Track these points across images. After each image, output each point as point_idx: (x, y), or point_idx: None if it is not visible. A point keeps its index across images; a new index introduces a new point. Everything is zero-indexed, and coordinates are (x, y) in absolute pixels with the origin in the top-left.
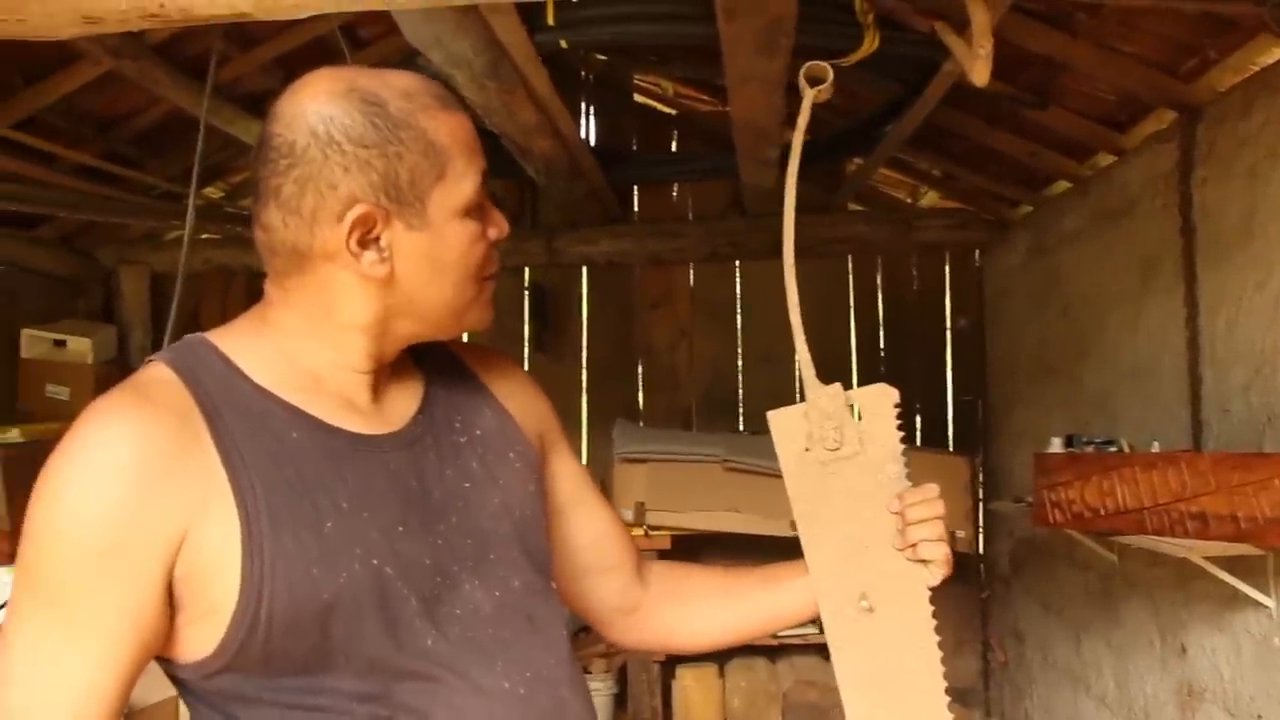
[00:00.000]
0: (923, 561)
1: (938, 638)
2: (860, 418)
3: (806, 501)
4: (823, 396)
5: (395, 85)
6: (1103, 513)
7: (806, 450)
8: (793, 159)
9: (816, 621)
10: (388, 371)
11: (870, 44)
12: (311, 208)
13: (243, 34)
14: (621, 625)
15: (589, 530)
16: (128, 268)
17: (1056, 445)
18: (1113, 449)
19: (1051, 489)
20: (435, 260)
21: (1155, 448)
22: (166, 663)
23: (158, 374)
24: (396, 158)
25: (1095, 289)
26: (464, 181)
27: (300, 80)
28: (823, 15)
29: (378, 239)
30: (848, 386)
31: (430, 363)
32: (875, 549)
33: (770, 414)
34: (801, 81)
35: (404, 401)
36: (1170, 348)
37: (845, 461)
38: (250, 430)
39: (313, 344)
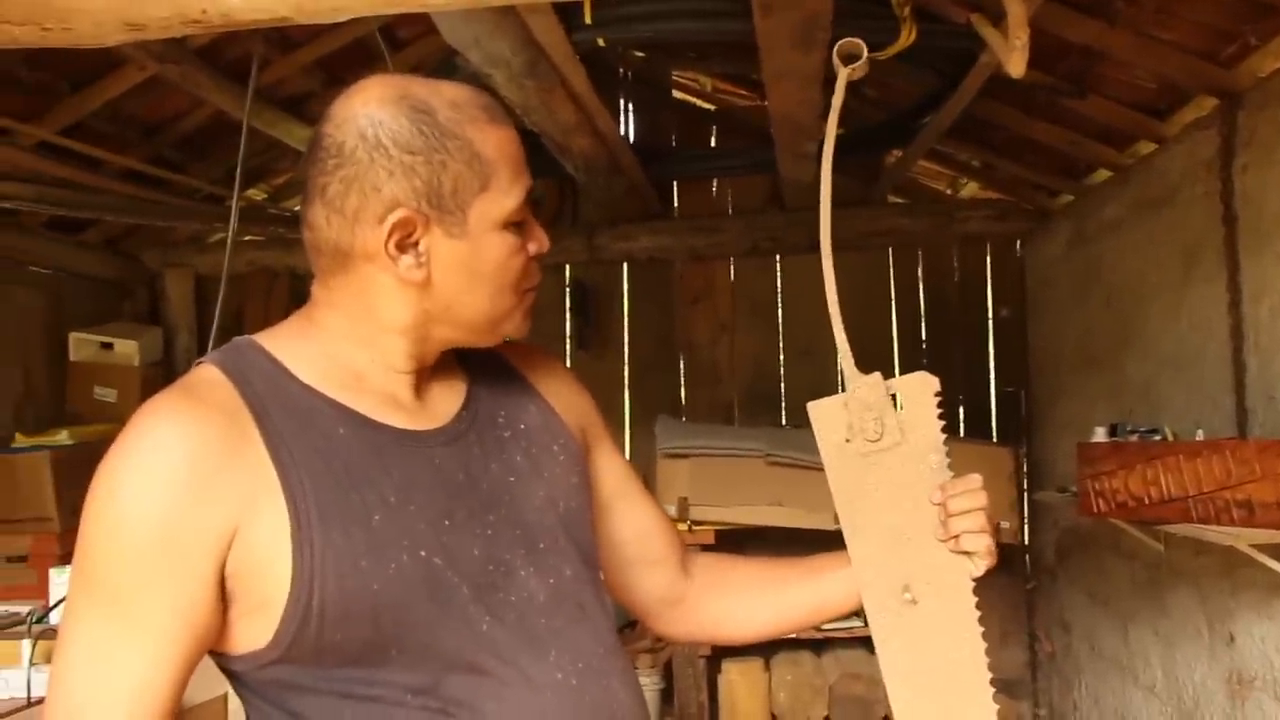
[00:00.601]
0: (966, 553)
1: (981, 629)
2: (901, 407)
3: (848, 493)
4: (863, 386)
5: (446, 95)
6: (1147, 501)
7: (847, 441)
8: (828, 139)
9: (861, 614)
10: (430, 370)
11: (907, 36)
12: (355, 208)
13: (283, 37)
14: (668, 617)
15: (634, 523)
16: (173, 270)
17: (1100, 435)
18: (1156, 438)
19: (1095, 478)
20: (472, 270)
21: (1199, 436)
22: (219, 656)
23: (207, 375)
24: (441, 166)
25: (1137, 278)
26: (507, 195)
27: (356, 84)
28: (859, 9)
29: (416, 244)
30: (890, 379)
31: (473, 360)
32: (917, 540)
33: (810, 405)
34: (835, 59)
35: (448, 398)
36: (1214, 336)
37: (886, 452)
38: (298, 427)
39: (355, 344)
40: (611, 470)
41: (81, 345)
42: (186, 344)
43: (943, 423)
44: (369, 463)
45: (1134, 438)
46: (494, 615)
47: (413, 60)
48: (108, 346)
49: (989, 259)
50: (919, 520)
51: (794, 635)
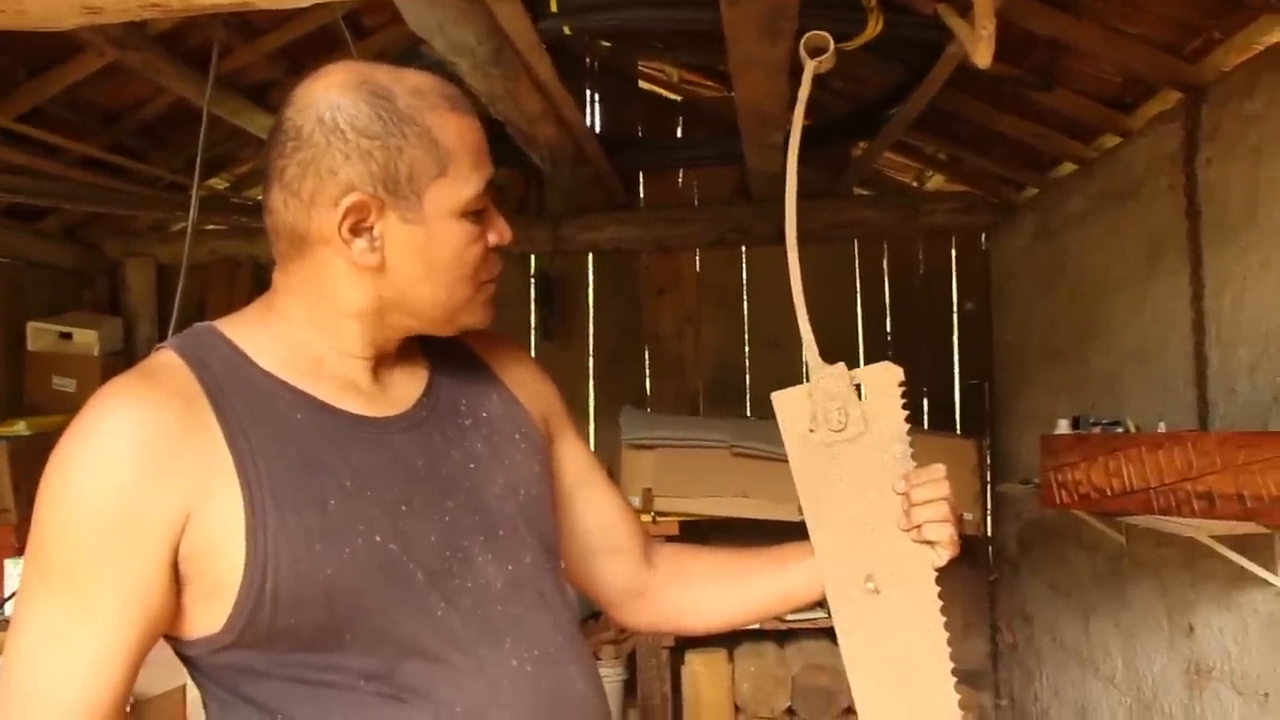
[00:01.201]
0: (928, 543)
1: (944, 619)
2: (865, 397)
3: (811, 483)
4: (827, 376)
5: (408, 82)
6: (1109, 493)
7: (811, 431)
8: (794, 131)
9: (825, 604)
10: (392, 357)
11: (874, 27)
12: (311, 191)
13: (246, 24)
14: (630, 607)
15: (596, 513)
16: (134, 260)
17: (1063, 427)
18: (1119, 430)
19: (1058, 470)
20: (427, 257)
21: (1161, 428)
22: (174, 641)
23: (165, 359)
24: (397, 151)
25: (1101, 271)
26: (465, 183)
27: (319, 70)
28: None
29: (371, 228)
30: (854, 369)
31: (436, 347)
32: (881, 530)
33: (774, 395)
34: (802, 52)
35: (409, 385)
36: (1176, 329)
37: (850, 442)
38: (255, 412)
39: (313, 330)
40: (574, 459)
41: (40, 335)
42: (148, 333)
43: (906, 413)
44: (325, 448)
45: (1096, 429)
46: (449, 602)
47: (377, 48)
48: (67, 336)
49: (954, 251)
50: (882, 510)
51: (758, 626)
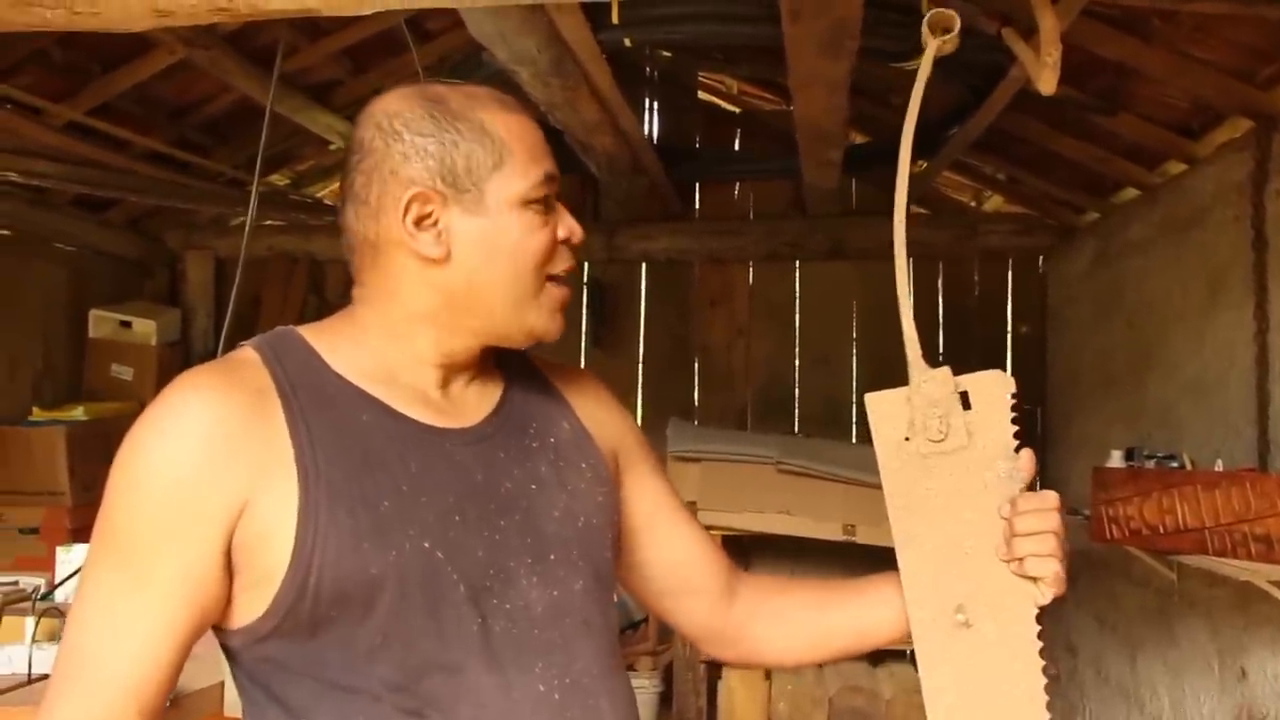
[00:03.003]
0: (1031, 578)
1: (1043, 663)
2: (969, 407)
3: (902, 496)
4: (929, 381)
5: (462, 89)
6: (1162, 531)
7: (907, 440)
8: (909, 118)
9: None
10: (467, 374)
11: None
12: (377, 195)
13: (311, 25)
14: (711, 644)
15: (670, 552)
16: (194, 253)
17: (1116, 459)
18: (1174, 464)
19: (1110, 504)
20: (492, 246)
21: (1219, 465)
22: (220, 631)
23: (243, 355)
24: (453, 145)
25: (1161, 300)
26: (524, 175)
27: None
28: (888, 18)
29: (436, 222)
30: (960, 375)
31: (513, 373)
32: (977, 556)
33: (869, 396)
34: (924, 29)
35: (481, 402)
36: (1237, 363)
37: (950, 455)
38: (321, 409)
39: (386, 338)
40: (648, 495)
41: (101, 322)
42: (204, 326)
43: (1016, 428)
44: (387, 450)
45: (1151, 464)
46: (486, 619)
47: (440, 52)
48: (126, 325)
49: (1010, 274)
50: (981, 534)
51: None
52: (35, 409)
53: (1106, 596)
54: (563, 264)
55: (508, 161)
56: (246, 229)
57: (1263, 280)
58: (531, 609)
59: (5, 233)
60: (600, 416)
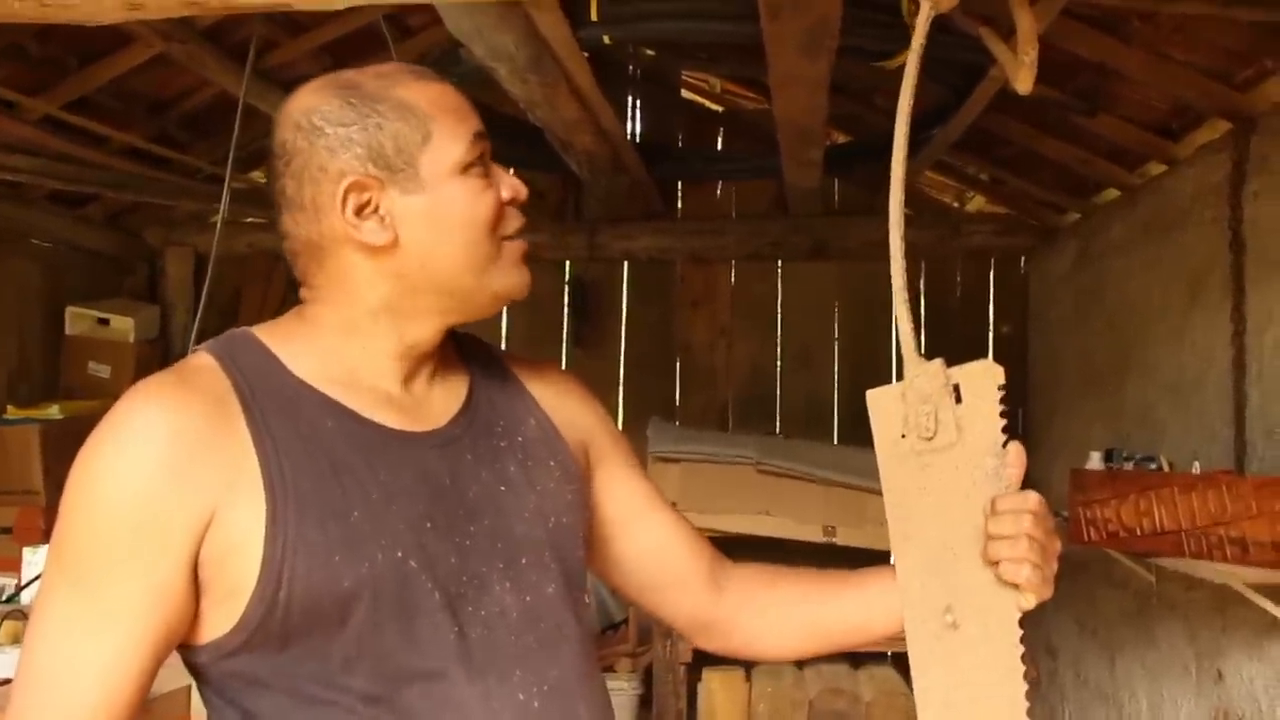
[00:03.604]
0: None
1: (1023, 667)
2: (960, 400)
3: (899, 495)
4: (921, 375)
5: (371, 70)
6: (1139, 533)
7: (902, 437)
8: (904, 94)
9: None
10: (430, 369)
11: None
12: (311, 196)
13: (291, 21)
14: (700, 637)
15: (647, 544)
16: (174, 249)
17: (1096, 460)
18: (1152, 466)
19: (1087, 506)
20: (438, 220)
21: (1196, 468)
22: (185, 649)
23: (199, 361)
24: (377, 128)
25: (1141, 301)
26: (454, 141)
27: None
28: (868, 17)
29: (376, 208)
30: (952, 367)
31: (478, 369)
32: (964, 558)
33: (869, 393)
34: None
35: (446, 402)
36: (1215, 365)
37: (940, 452)
38: (285, 417)
39: (343, 334)
40: (621, 488)
41: (78, 319)
42: (183, 322)
43: (1004, 422)
44: (354, 458)
45: (1129, 465)
46: (461, 627)
47: (420, 49)
48: (104, 322)
49: (993, 274)
50: (967, 534)
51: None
52: (10, 407)
53: (1086, 599)
54: (514, 224)
55: (435, 131)
56: (218, 225)
57: (1240, 282)
58: (507, 615)
59: None
60: (569, 410)
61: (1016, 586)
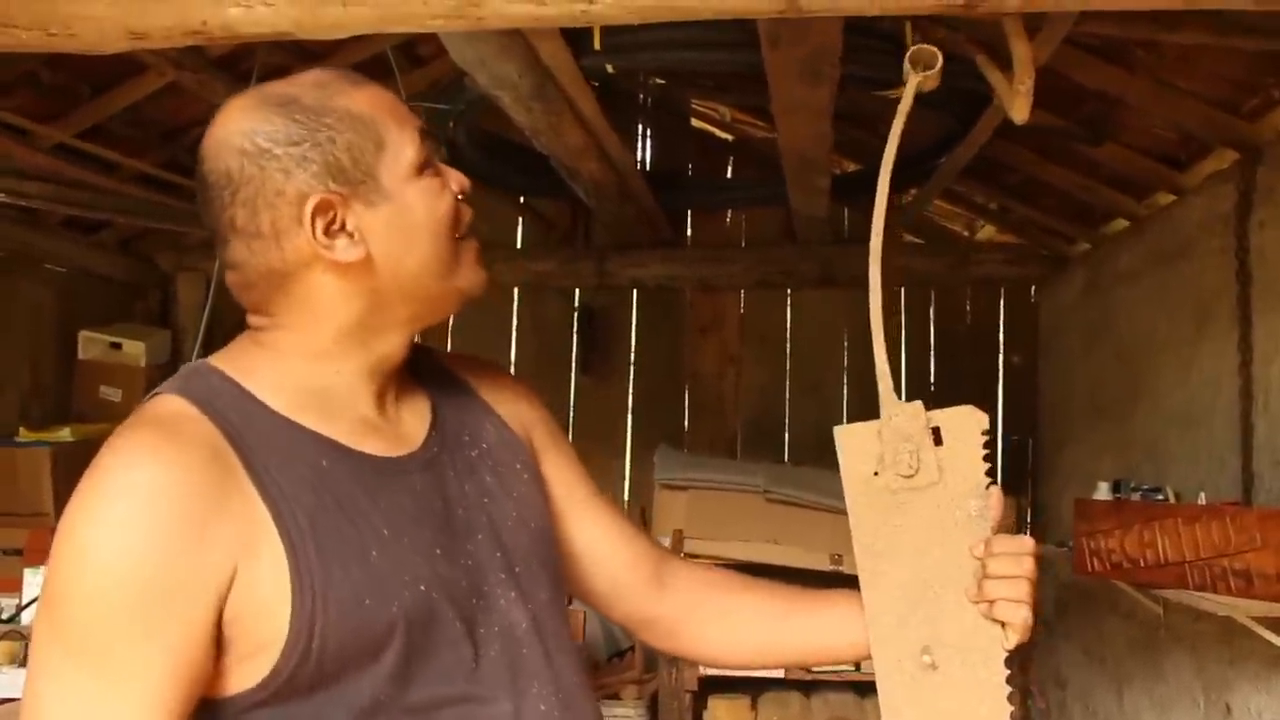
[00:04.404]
0: (1000, 622)
1: (1010, 708)
2: (941, 443)
3: (870, 532)
4: (900, 414)
5: (304, 80)
6: (1143, 564)
7: (876, 474)
8: (889, 147)
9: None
10: (394, 390)
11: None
12: (271, 222)
13: (301, 49)
14: (645, 633)
15: (582, 537)
16: (185, 274)
17: (1104, 491)
18: (1159, 497)
19: (1091, 536)
20: (404, 227)
21: (1202, 498)
22: (203, 702)
23: (174, 407)
24: (329, 142)
25: (1149, 331)
26: (403, 144)
27: (213, 119)
28: (870, 45)
29: (343, 225)
30: (931, 410)
31: (431, 380)
32: (945, 597)
33: (838, 429)
34: (906, 65)
35: (415, 420)
36: (1223, 395)
37: (920, 491)
38: (282, 460)
39: (308, 359)
40: (560, 481)
41: (90, 344)
42: (194, 347)
43: (988, 465)
44: (357, 494)
45: (1136, 496)
46: (481, 648)
47: (431, 78)
48: (116, 346)
49: (1002, 303)
50: (949, 574)
51: (782, 674)
52: (22, 429)
53: (1094, 629)
54: (466, 218)
55: (386, 137)
56: (219, 253)
57: (1247, 312)
58: (516, 627)
59: None
60: (514, 407)
61: (1003, 626)
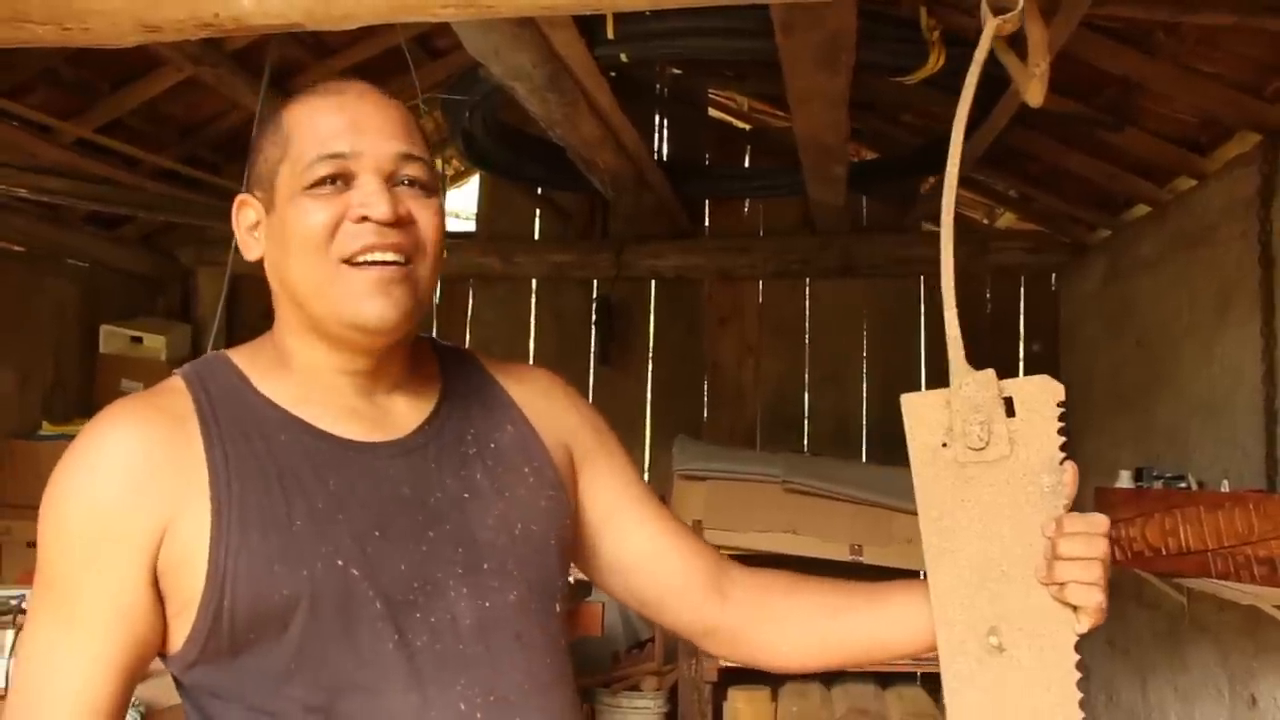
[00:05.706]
0: (1071, 605)
1: (1080, 694)
2: (1013, 414)
3: (937, 507)
4: (971, 383)
5: (318, 86)
6: (1165, 553)
7: (944, 446)
8: (962, 105)
9: (931, 657)
10: (390, 383)
11: (935, 62)
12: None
13: (318, 43)
14: (706, 643)
15: (635, 547)
16: (205, 269)
17: (1125, 479)
18: (1181, 485)
19: (1113, 525)
20: (279, 239)
21: (1225, 486)
22: (163, 659)
23: (170, 384)
24: (259, 149)
25: (1170, 318)
26: (302, 159)
27: None
28: (886, 31)
29: (256, 225)
30: (1005, 379)
31: (455, 381)
32: (1015, 576)
33: (905, 397)
34: (984, 7)
35: (411, 412)
36: (1246, 381)
37: (990, 465)
38: (241, 433)
39: (294, 354)
40: (607, 489)
41: (112, 338)
42: (215, 341)
43: (1063, 439)
44: (305, 470)
45: (1159, 484)
46: (404, 635)
47: (449, 70)
48: (137, 340)
49: (1023, 291)
50: (1020, 553)
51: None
52: (45, 423)
53: (1118, 619)
54: (354, 244)
55: (289, 152)
56: (233, 245)
57: (1270, 297)
58: (459, 622)
59: (17, 249)
60: (552, 414)
61: (1074, 609)
